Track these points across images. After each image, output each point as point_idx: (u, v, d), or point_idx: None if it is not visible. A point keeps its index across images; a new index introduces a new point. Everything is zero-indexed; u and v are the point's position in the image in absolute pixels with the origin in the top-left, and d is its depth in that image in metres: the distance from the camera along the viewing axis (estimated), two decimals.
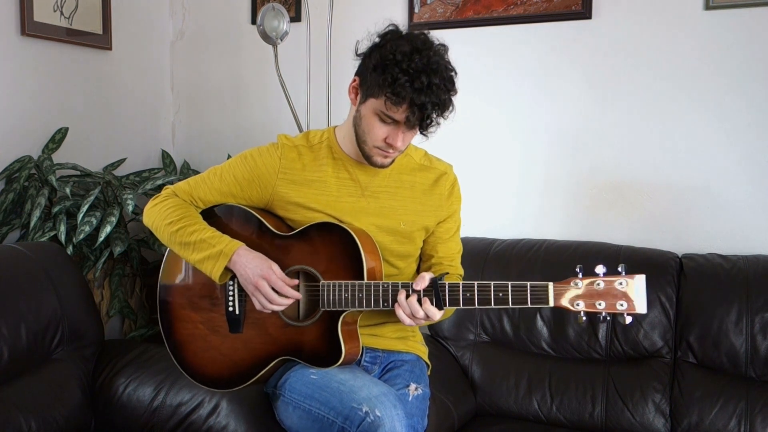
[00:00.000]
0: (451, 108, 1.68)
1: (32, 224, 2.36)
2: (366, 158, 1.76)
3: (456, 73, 1.69)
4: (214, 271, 1.73)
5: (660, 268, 2.28)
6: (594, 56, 2.55)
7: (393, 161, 1.78)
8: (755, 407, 2.09)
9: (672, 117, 2.46)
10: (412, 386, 1.81)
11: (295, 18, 2.91)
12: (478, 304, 1.60)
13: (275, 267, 1.72)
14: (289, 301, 1.73)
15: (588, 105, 2.57)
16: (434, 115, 1.65)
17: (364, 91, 1.71)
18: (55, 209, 2.40)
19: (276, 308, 1.73)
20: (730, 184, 2.41)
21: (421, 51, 1.62)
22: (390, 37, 1.68)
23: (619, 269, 1.53)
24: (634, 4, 2.48)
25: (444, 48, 1.70)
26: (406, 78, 1.60)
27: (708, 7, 2.39)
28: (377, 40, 1.70)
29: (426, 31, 1.72)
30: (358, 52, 1.74)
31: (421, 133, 1.70)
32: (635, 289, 1.52)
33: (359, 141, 1.75)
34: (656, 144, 2.49)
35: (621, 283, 1.53)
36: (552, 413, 2.27)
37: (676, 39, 2.44)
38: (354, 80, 1.75)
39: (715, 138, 2.42)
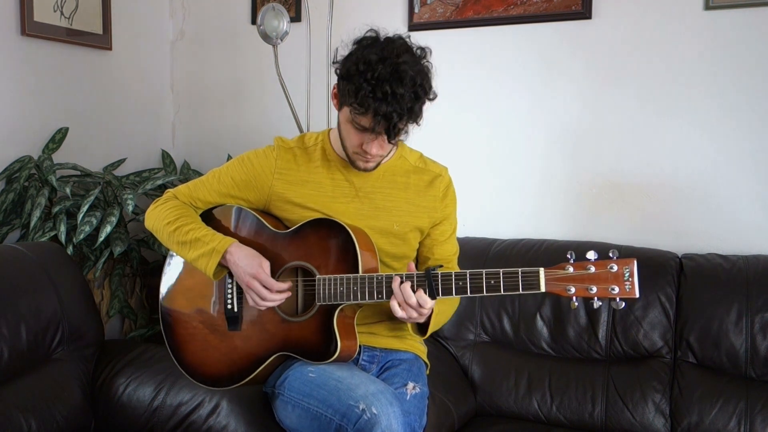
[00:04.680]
0: (420, 116, 1.67)
1: (32, 224, 2.36)
2: (351, 163, 1.80)
3: (428, 78, 1.68)
4: (208, 268, 1.77)
5: (660, 268, 2.28)
6: (594, 56, 2.55)
7: (377, 165, 1.80)
8: (755, 407, 2.09)
9: (672, 117, 2.46)
10: (410, 385, 1.82)
11: (295, 18, 2.91)
12: (471, 293, 1.62)
13: (265, 264, 1.74)
14: (281, 297, 1.74)
15: (588, 105, 2.57)
16: (401, 125, 1.66)
17: (339, 98, 1.74)
18: (55, 209, 2.40)
19: (269, 305, 1.75)
20: (730, 184, 2.41)
21: (386, 59, 1.62)
22: (362, 44, 1.68)
23: (611, 254, 1.54)
24: (634, 4, 2.48)
25: (423, 51, 1.70)
26: (369, 88, 1.61)
27: (708, 7, 2.39)
28: (351, 48, 1.70)
29: (407, 35, 1.72)
30: (335, 60, 1.74)
31: (389, 141, 1.70)
32: (627, 273, 1.51)
33: (342, 145, 1.79)
34: (656, 144, 2.49)
35: (612, 267, 1.53)
36: (552, 413, 2.27)
37: (676, 39, 2.44)
38: (335, 87, 1.77)
39: (716, 138, 2.42)
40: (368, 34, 1.71)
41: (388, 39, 1.69)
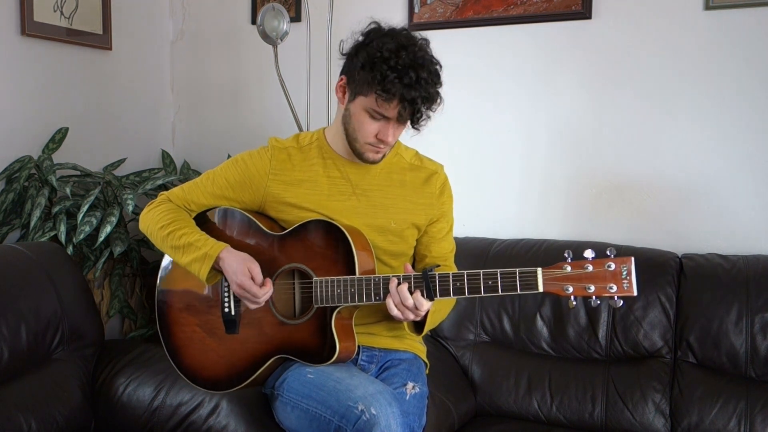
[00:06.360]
0: (438, 101, 1.73)
1: (32, 224, 2.36)
2: (358, 155, 1.79)
3: (441, 66, 1.74)
4: (201, 273, 1.76)
5: (660, 268, 2.28)
6: (594, 56, 2.55)
7: (384, 156, 1.82)
8: (755, 407, 2.09)
9: (672, 117, 2.46)
10: (410, 385, 1.82)
11: (295, 18, 2.91)
12: (468, 293, 1.62)
13: (253, 267, 1.73)
14: (265, 295, 1.73)
15: (588, 105, 2.57)
16: (424, 109, 1.70)
17: (352, 89, 1.74)
18: (55, 209, 2.40)
19: (258, 305, 1.74)
20: (730, 184, 2.40)
21: (406, 47, 1.67)
22: (374, 35, 1.72)
23: (608, 252, 1.54)
24: (634, 5, 2.48)
25: (426, 42, 1.75)
26: (395, 75, 1.64)
27: (708, 7, 2.39)
28: (361, 38, 1.74)
29: (405, 27, 1.77)
30: (343, 51, 1.78)
31: (413, 127, 1.74)
32: (625, 272, 1.51)
33: (350, 139, 1.78)
34: (656, 144, 2.49)
35: (610, 266, 1.53)
36: (552, 413, 2.27)
37: (676, 39, 2.44)
38: (341, 79, 1.78)
39: (715, 138, 2.42)
40: (372, 26, 1.75)
41: (396, 29, 1.74)
